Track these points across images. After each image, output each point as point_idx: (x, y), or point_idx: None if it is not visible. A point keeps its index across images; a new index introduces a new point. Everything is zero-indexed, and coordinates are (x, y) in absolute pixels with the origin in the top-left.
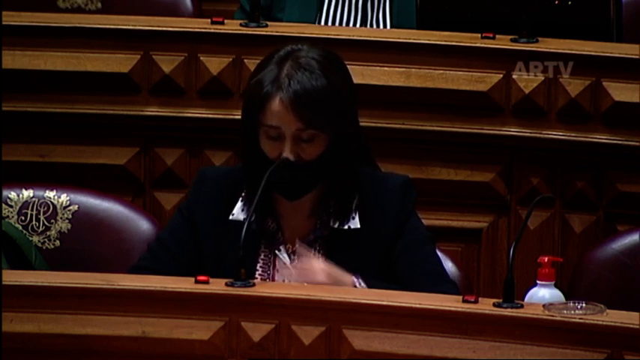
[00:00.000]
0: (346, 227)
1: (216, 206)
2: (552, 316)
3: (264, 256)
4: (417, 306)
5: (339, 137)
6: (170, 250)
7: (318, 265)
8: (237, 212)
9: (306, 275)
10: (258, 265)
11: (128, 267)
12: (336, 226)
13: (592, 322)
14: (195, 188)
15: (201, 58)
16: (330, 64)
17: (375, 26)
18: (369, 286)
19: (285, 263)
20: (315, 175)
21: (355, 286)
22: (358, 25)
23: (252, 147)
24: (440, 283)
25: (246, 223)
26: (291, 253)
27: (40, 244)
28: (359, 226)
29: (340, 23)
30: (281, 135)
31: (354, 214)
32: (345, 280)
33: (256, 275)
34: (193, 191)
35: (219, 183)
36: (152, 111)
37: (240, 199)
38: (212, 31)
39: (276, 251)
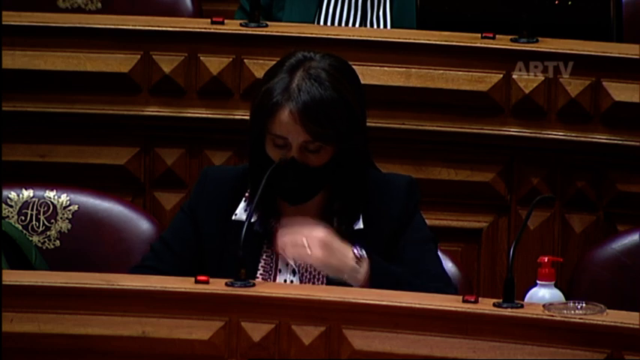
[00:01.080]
0: (350, 228)
1: (219, 206)
2: (552, 316)
3: (266, 256)
4: (417, 306)
5: (346, 148)
6: (173, 249)
7: (316, 235)
8: (240, 213)
9: (302, 249)
10: (260, 265)
11: (128, 267)
12: (341, 227)
13: (592, 322)
14: (198, 187)
15: (201, 58)
16: (340, 76)
17: (374, 25)
18: (370, 257)
19: (288, 263)
20: (319, 182)
21: (356, 257)
22: (358, 23)
23: (258, 151)
24: (437, 282)
25: (246, 223)
26: None
27: (40, 244)
28: (362, 226)
29: (340, 22)
30: (287, 144)
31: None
32: (345, 253)
33: (257, 276)
34: (196, 190)
35: (223, 183)
36: (152, 111)
37: (244, 199)
38: (212, 31)
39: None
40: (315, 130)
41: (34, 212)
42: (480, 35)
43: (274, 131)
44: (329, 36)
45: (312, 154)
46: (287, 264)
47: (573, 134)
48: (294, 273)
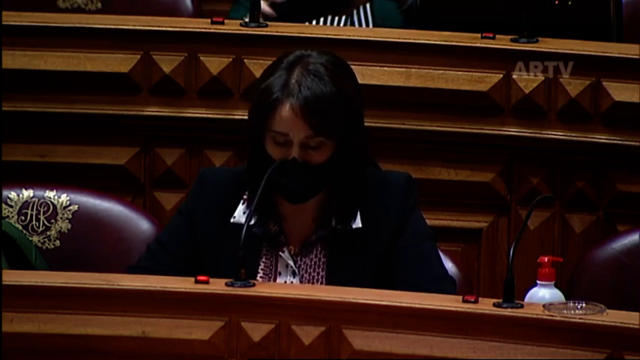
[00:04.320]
0: (348, 227)
1: (217, 207)
2: (552, 316)
3: (266, 259)
4: (417, 306)
5: (346, 143)
6: (169, 251)
7: None
8: (239, 215)
9: None
10: (260, 267)
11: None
12: (338, 226)
13: (592, 322)
14: (195, 189)
15: (201, 58)
16: (338, 71)
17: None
18: None
19: (288, 264)
20: (320, 179)
21: None
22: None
23: (257, 151)
24: (437, 283)
25: (245, 224)
26: (294, 255)
27: (40, 244)
28: (361, 225)
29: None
30: (288, 141)
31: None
32: None
33: (257, 278)
34: (193, 192)
35: (221, 184)
36: (152, 111)
37: (242, 201)
38: (212, 31)
39: (280, 253)
40: (316, 123)
41: (34, 212)
42: (480, 35)
43: (275, 128)
44: (329, 36)
45: (313, 151)
46: (287, 265)
47: (573, 134)
48: (294, 275)
